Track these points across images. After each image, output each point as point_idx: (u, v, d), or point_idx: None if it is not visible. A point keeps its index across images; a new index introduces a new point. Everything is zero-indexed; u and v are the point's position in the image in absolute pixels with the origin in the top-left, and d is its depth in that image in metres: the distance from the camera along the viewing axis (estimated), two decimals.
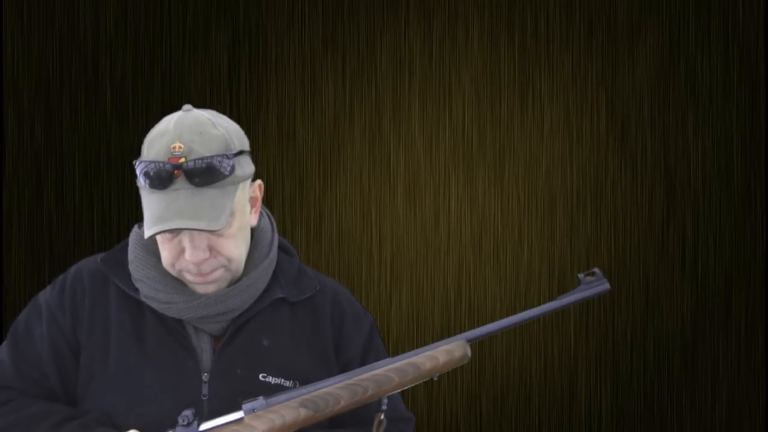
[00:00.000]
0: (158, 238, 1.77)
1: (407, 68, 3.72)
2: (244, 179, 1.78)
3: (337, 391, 1.73)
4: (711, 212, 3.70)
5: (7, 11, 3.67)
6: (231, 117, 1.86)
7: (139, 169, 1.76)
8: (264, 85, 3.61)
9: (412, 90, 3.72)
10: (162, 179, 1.72)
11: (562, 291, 1.73)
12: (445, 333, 3.62)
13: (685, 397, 3.68)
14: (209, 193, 1.72)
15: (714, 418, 3.68)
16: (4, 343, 1.86)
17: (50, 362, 1.80)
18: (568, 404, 3.69)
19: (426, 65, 3.72)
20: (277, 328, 1.83)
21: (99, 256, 1.87)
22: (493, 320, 1.87)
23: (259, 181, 1.85)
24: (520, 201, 3.72)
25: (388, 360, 1.76)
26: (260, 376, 1.79)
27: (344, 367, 1.84)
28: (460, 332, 1.90)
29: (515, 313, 1.87)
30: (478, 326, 1.86)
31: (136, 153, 1.83)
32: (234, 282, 1.81)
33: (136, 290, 1.80)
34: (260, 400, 1.69)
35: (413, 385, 1.78)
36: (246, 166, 1.80)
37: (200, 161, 1.71)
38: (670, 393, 3.68)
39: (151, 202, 1.75)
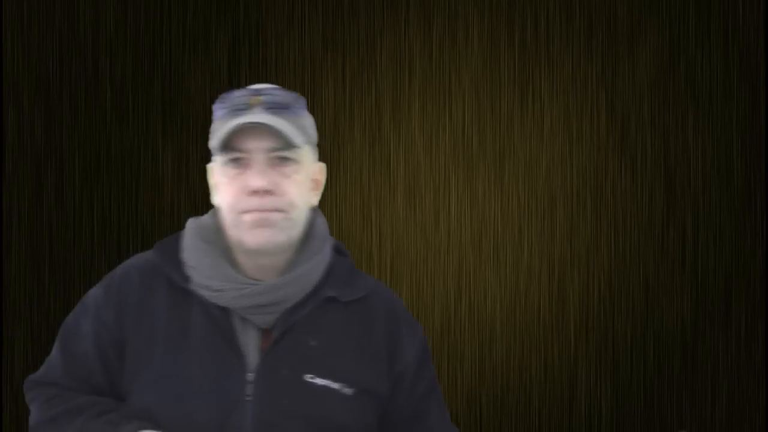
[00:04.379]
0: (222, 177, 1.76)
1: (407, 68, 3.72)
2: (312, 140, 1.81)
3: None
4: (711, 212, 3.70)
5: (7, 11, 3.67)
6: None
7: (217, 105, 1.79)
8: None
9: (412, 90, 3.72)
10: (240, 105, 1.75)
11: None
12: (445, 333, 3.62)
13: (685, 397, 3.69)
14: (285, 122, 1.74)
15: (714, 418, 3.68)
16: (56, 340, 1.85)
17: (96, 359, 1.79)
18: (568, 404, 3.69)
19: (426, 65, 3.72)
20: (326, 328, 1.78)
21: (149, 251, 1.86)
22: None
23: (322, 163, 1.86)
24: (520, 201, 3.72)
25: None
26: (307, 377, 1.74)
27: (398, 375, 1.81)
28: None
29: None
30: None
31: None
32: (280, 273, 1.78)
33: (187, 279, 1.77)
34: None
35: None
36: (314, 133, 1.83)
37: (278, 93, 1.76)
38: (670, 393, 3.68)
39: (225, 126, 1.75)
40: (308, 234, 1.83)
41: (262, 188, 1.72)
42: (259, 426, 1.70)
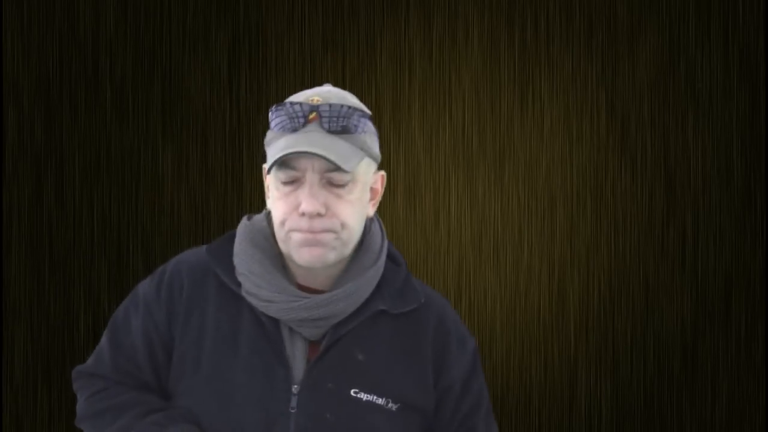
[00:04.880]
0: (275, 191, 1.73)
1: (407, 68, 3.72)
2: (371, 153, 1.76)
3: None
4: (711, 212, 3.70)
5: (7, 11, 3.67)
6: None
7: (274, 113, 1.75)
8: (264, 85, 3.61)
9: (412, 90, 3.72)
10: (296, 119, 1.71)
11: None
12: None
13: (685, 397, 3.69)
14: (341, 141, 1.70)
15: (714, 418, 3.68)
16: (105, 331, 1.85)
17: (144, 355, 1.78)
18: (568, 404, 3.69)
19: (426, 65, 3.72)
20: (374, 342, 1.76)
21: (204, 247, 1.83)
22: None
23: (382, 172, 1.83)
24: (520, 201, 3.72)
25: None
26: (352, 391, 1.72)
27: (444, 391, 1.79)
28: None
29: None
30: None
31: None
32: (331, 284, 1.76)
33: (239, 284, 1.75)
34: None
35: None
36: (374, 144, 1.78)
37: (337, 107, 1.71)
38: (670, 393, 3.68)
39: (280, 142, 1.71)
40: (363, 244, 1.80)
41: (315, 212, 1.69)
42: None
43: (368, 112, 1.77)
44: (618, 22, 3.71)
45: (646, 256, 3.70)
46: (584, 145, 3.71)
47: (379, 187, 1.82)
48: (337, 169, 1.69)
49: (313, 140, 1.69)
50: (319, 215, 1.70)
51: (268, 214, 1.82)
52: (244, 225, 1.81)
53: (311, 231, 1.70)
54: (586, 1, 3.71)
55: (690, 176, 3.71)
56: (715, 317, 3.68)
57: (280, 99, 3.82)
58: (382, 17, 3.72)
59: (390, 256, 1.85)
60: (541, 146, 3.72)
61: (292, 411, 1.70)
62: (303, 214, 1.70)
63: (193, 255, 1.83)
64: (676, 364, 3.69)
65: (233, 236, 1.81)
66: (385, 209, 3.73)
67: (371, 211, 1.81)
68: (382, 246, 1.82)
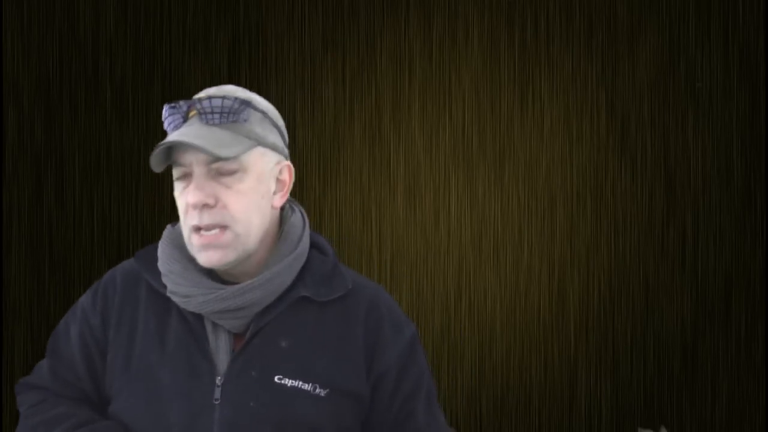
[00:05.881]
0: (176, 192, 1.76)
1: (407, 68, 3.72)
2: (264, 142, 1.77)
3: None
4: (711, 212, 3.70)
5: (7, 11, 3.67)
6: None
7: (163, 116, 1.78)
8: (264, 85, 3.61)
9: (412, 90, 3.72)
10: (177, 117, 1.74)
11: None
12: (445, 333, 3.62)
13: (685, 397, 3.69)
14: (220, 131, 1.72)
15: (714, 418, 3.68)
16: (47, 344, 1.88)
17: (81, 363, 1.81)
18: (568, 404, 3.69)
19: (426, 65, 3.72)
20: (299, 328, 1.76)
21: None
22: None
23: (287, 162, 1.82)
24: (520, 201, 3.72)
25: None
26: (276, 378, 1.72)
27: (378, 378, 1.78)
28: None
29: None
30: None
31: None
32: (253, 275, 1.77)
33: (165, 286, 1.78)
34: None
35: None
36: (270, 133, 1.78)
37: (216, 100, 1.73)
38: (670, 393, 3.68)
39: (168, 136, 1.74)
40: (282, 234, 1.81)
41: (200, 203, 1.71)
42: (225, 428, 1.70)
43: (261, 104, 1.79)
44: (618, 22, 3.71)
45: (646, 256, 3.70)
46: (584, 145, 3.71)
47: (287, 178, 1.81)
48: (219, 158, 1.70)
49: (190, 133, 1.71)
50: (207, 206, 1.72)
51: None
52: (167, 230, 1.84)
53: (202, 226, 1.72)
54: (586, 1, 3.71)
55: (690, 176, 3.71)
56: (715, 317, 3.68)
57: (280, 99, 3.83)
58: (382, 17, 3.71)
59: (317, 246, 1.85)
60: (541, 146, 3.72)
61: (216, 402, 1.71)
62: (193, 208, 1.72)
63: (128, 263, 1.87)
64: (676, 364, 3.69)
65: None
66: (385, 209, 3.73)
67: (278, 203, 1.80)
68: (303, 235, 1.82)
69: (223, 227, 1.72)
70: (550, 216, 3.72)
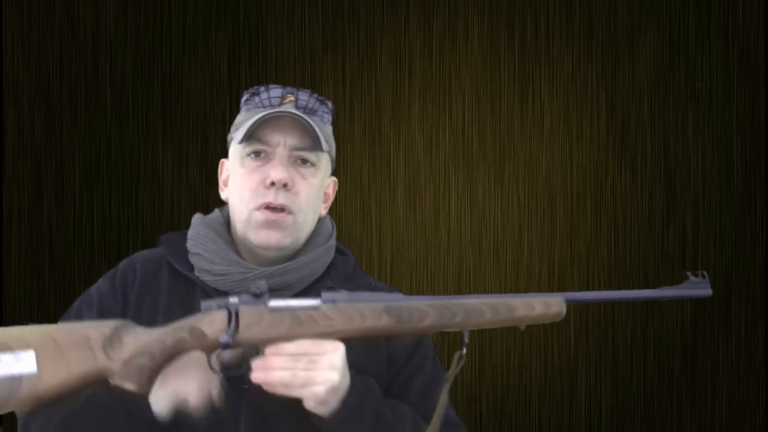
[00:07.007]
0: (239, 168, 1.78)
1: (407, 68, 3.72)
2: (332, 152, 1.84)
3: (425, 308, 1.69)
4: (711, 212, 3.70)
5: (7, 11, 3.67)
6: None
7: (248, 96, 1.80)
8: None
9: (412, 90, 3.72)
10: (272, 99, 1.77)
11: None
12: (445, 333, 3.62)
13: (685, 397, 3.68)
14: (314, 126, 1.76)
15: (714, 418, 3.68)
16: None
17: None
18: (568, 404, 3.69)
19: (426, 65, 3.72)
20: None
21: (159, 242, 1.89)
22: None
23: (334, 178, 1.88)
24: (520, 201, 3.72)
25: (482, 295, 1.70)
26: None
27: (389, 359, 1.83)
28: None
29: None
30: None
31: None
32: (290, 258, 1.80)
33: (191, 268, 1.80)
34: (342, 293, 1.63)
35: (500, 326, 1.70)
36: (332, 146, 1.85)
37: (310, 95, 1.78)
38: (670, 393, 3.68)
39: (256, 117, 1.76)
40: (314, 232, 1.85)
41: (282, 180, 1.74)
42: (251, 409, 1.71)
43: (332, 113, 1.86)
44: (618, 22, 3.71)
45: (646, 256, 3.70)
46: (584, 145, 3.71)
47: (331, 192, 1.88)
48: (308, 149, 1.75)
49: (292, 108, 1.76)
50: (285, 187, 1.75)
51: (221, 209, 1.88)
52: (198, 217, 1.87)
53: (276, 204, 1.74)
54: (586, 1, 3.71)
55: (690, 176, 3.71)
56: (715, 317, 3.68)
57: None
58: (382, 17, 3.71)
59: (338, 250, 1.91)
60: (541, 146, 3.72)
61: (245, 386, 1.70)
62: (272, 184, 1.75)
63: (147, 251, 1.88)
64: (676, 364, 3.69)
65: (185, 233, 1.86)
66: (385, 209, 3.73)
67: (323, 211, 1.87)
68: (332, 233, 1.88)
69: (290, 212, 1.76)
70: (550, 216, 3.72)
